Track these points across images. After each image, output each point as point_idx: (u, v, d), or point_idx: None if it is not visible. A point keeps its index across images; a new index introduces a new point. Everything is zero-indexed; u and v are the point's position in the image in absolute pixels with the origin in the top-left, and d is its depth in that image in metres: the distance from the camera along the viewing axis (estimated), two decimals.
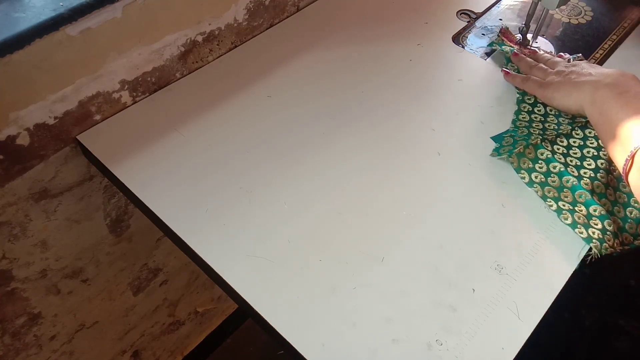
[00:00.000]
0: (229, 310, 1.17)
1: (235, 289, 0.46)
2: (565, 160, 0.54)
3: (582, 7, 0.78)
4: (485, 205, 0.52)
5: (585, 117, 0.57)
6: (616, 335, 0.61)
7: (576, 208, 0.51)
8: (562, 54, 0.66)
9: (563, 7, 0.77)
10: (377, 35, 0.71)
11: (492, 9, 0.77)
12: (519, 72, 0.65)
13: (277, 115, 0.60)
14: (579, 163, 0.54)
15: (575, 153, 0.55)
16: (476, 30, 0.73)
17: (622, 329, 0.61)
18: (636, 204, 0.51)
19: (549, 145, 0.55)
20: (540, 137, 0.55)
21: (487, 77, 0.66)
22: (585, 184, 0.51)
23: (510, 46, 0.68)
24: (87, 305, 0.76)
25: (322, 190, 0.53)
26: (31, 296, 0.66)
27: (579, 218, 0.50)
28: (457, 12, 0.76)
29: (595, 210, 0.49)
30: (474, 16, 0.75)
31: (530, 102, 0.61)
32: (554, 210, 0.51)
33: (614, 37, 0.73)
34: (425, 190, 0.53)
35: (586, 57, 0.68)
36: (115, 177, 0.54)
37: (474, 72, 0.66)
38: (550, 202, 0.52)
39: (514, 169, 0.55)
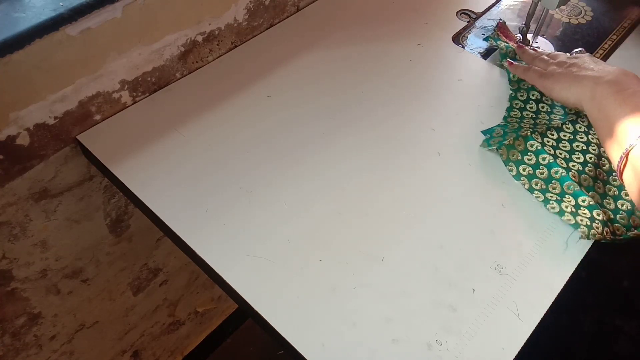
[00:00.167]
0: (229, 310, 1.17)
1: (235, 288, 0.46)
2: (555, 152, 0.54)
3: (582, 7, 0.78)
4: (485, 205, 0.52)
5: (580, 112, 0.57)
6: (615, 336, 0.61)
7: (564, 199, 0.51)
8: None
9: (563, 7, 0.77)
10: (377, 35, 0.71)
11: (492, 9, 0.77)
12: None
13: (277, 115, 0.60)
14: (567, 156, 0.54)
15: (565, 146, 0.55)
16: (476, 30, 0.73)
17: (620, 330, 0.61)
18: (627, 197, 0.52)
19: (539, 137, 0.55)
20: (531, 130, 0.55)
21: (487, 77, 0.66)
22: (574, 176, 0.51)
23: (506, 42, 0.68)
24: (87, 305, 0.77)
25: (322, 190, 0.53)
26: (31, 296, 0.66)
27: (566, 207, 0.50)
28: (457, 12, 0.76)
29: (584, 201, 0.50)
30: (474, 16, 0.75)
31: (522, 99, 0.61)
32: (541, 201, 0.52)
33: (614, 37, 0.73)
34: (425, 190, 0.53)
35: None
36: (115, 177, 0.54)
37: (474, 72, 0.66)
38: (537, 194, 0.52)
39: (503, 162, 0.55)
